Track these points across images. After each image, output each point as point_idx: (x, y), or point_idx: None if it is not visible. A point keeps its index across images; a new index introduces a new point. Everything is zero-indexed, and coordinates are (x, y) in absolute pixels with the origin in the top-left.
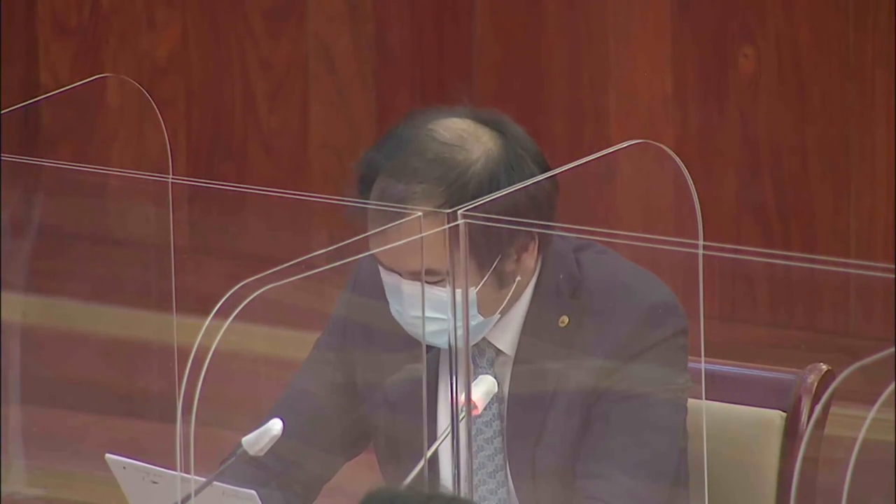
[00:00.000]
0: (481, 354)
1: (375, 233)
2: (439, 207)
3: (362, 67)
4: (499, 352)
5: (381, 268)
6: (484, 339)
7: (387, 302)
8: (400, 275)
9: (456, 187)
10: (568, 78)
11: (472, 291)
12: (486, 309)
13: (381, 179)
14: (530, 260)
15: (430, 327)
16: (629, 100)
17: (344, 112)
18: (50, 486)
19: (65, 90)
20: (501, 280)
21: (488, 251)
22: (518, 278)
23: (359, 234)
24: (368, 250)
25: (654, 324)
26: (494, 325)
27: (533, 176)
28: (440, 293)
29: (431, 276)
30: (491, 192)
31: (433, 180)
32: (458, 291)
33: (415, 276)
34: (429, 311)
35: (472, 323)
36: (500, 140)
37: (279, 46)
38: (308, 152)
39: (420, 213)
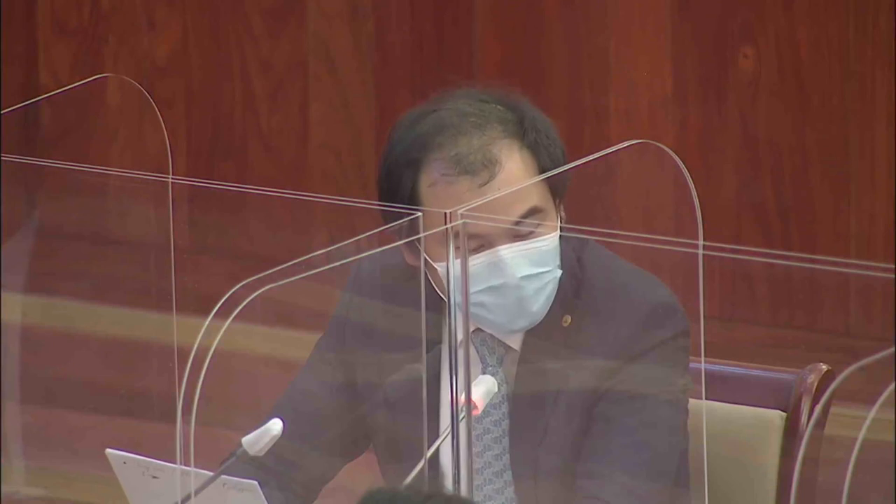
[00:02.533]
0: (491, 352)
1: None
2: (523, 135)
3: (362, 67)
4: (508, 349)
5: (461, 255)
6: (493, 336)
7: (387, 302)
8: (488, 239)
9: (525, 122)
10: (568, 78)
11: (556, 238)
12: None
13: (444, 149)
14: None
15: (533, 284)
16: (629, 100)
17: (344, 112)
18: (50, 486)
19: (65, 90)
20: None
21: (558, 187)
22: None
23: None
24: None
25: (655, 325)
26: None
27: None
28: (543, 243)
29: (537, 216)
30: (551, 137)
31: (503, 119)
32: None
33: (524, 217)
34: (532, 267)
35: (556, 275)
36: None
37: (279, 46)
38: (308, 152)
39: (420, 214)
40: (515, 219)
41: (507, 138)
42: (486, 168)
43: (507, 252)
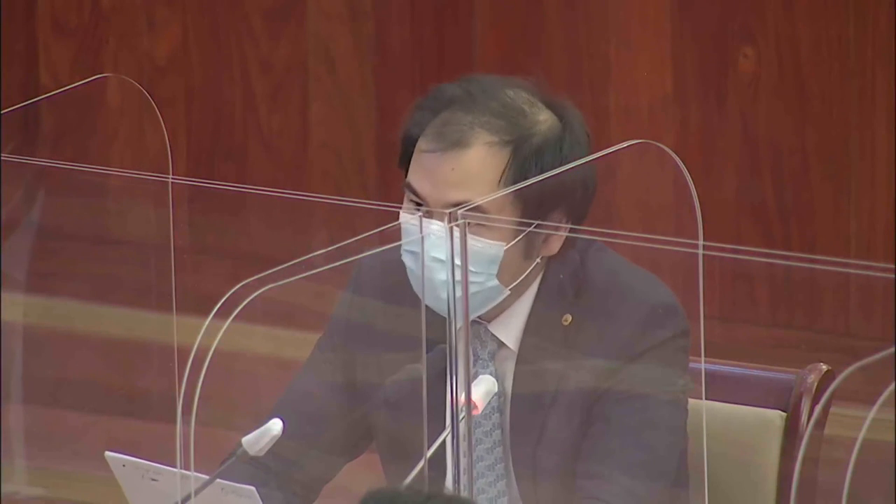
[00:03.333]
0: (483, 346)
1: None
2: (505, 143)
3: (362, 67)
4: (501, 344)
5: (405, 208)
6: (486, 330)
7: (387, 302)
8: (427, 214)
9: (524, 132)
10: (568, 78)
11: (502, 247)
12: (504, 275)
13: (451, 111)
14: (556, 244)
15: (441, 274)
16: (629, 100)
17: (344, 112)
18: (50, 486)
19: (65, 90)
20: (527, 251)
21: (534, 210)
22: (538, 260)
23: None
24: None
25: (655, 325)
26: (498, 318)
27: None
28: (477, 243)
29: (475, 211)
30: (551, 155)
31: (503, 118)
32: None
33: (454, 206)
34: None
35: (489, 284)
36: (562, 123)
37: (279, 46)
38: (308, 152)
39: (420, 214)
40: (518, 219)
41: (498, 133)
42: (454, 145)
43: (435, 226)
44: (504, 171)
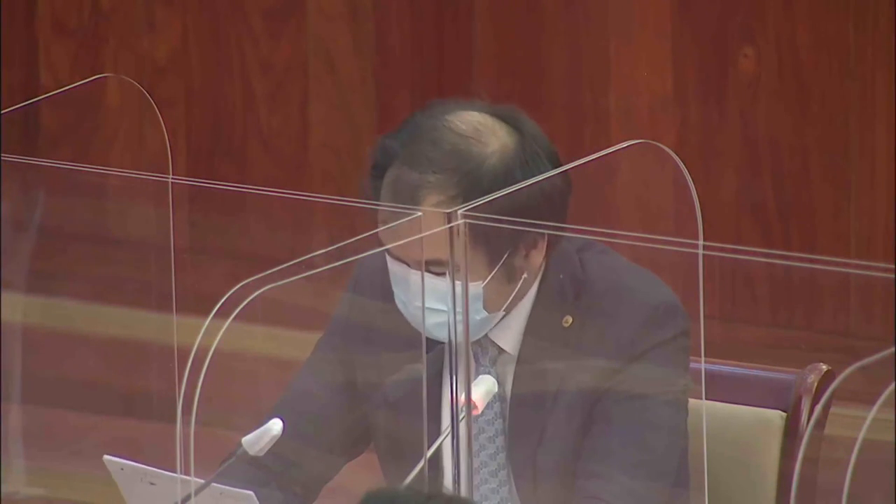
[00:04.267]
0: (484, 352)
1: (383, 229)
2: (452, 198)
3: (362, 67)
4: (501, 350)
5: (388, 257)
6: (486, 336)
7: (388, 302)
8: (407, 264)
9: (470, 180)
10: (568, 78)
11: (480, 286)
12: (491, 304)
13: (396, 167)
14: (538, 257)
15: (432, 319)
16: (629, 100)
17: (344, 112)
18: (50, 486)
19: (65, 90)
20: (509, 275)
21: (498, 245)
22: (525, 275)
23: (359, 230)
24: (376, 244)
25: (656, 325)
26: (497, 323)
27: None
28: (445, 285)
29: (437, 267)
30: (505, 186)
31: (448, 171)
32: (459, 285)
33: (421, 266)
34: (432, 302)
35: (477, 317)
36: (516, 136)
37: (279, 46)
38: (308, 152)
39: (421, 214)
40: (519, 219)
41: (439, 189)
42: (411, 199)
43: (413, 277)
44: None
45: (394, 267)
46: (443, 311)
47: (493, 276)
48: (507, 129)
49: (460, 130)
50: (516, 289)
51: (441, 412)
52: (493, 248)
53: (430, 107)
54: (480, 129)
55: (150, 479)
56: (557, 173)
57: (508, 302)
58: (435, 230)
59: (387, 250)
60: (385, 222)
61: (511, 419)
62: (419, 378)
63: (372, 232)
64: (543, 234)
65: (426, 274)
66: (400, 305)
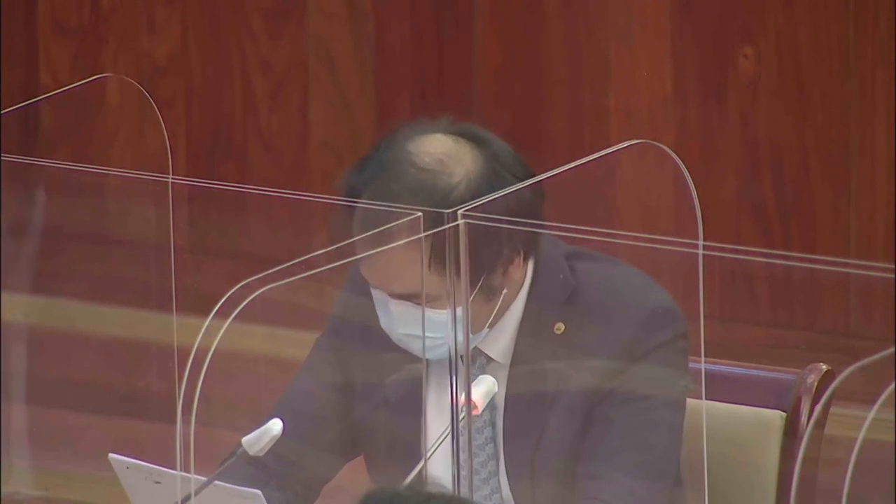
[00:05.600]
0: (472, 361)
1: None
2: (423, 232)
3: (362, 67)
4: (489, 359)
5: (370, 284)
6: (476, 347)
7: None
8: (387, 293)
9: (439, 214)
10: (568, 78)
11: (458, 310)
12: (474, 324)
13: (362, 206)
14: (517, 272)
15: (418, 345)
16: (629, 100)
17: (344, 112)
18: (50, 487)
19: (65, 90)
20: (488, 295)
21: (473, 268)
22: (505, 291)
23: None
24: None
25: (654, 328)
26: (486, 335)
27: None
28: (430, 314)
29: (417, 298)
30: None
31: (414, 204)
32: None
33: (399, 297)
34: (415, 330)
35: (461, 338)
36: (481, 159)
37: (279, 46)
38: (308, 152)
39: (420, 214)
40: (519, 219)
41: (408, 226)
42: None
43: (395, 307)
44: (430, 253)
45: (376, 293)
46: (432, 336)
47: (471, 299)
48: (472, 153)
49: (424, 164)
50: (497, 306)
51: (427, 420)
52: (468, 271)
53: (392, 135)
54: (444, 160)
55: (156, 478)
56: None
57: (491, 318)
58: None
59: (367, 278)
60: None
61: (506, 425)
62: (415, 379)
63: (371, 233)
64: (519, 249)
65: (406, 304)
66: (385, 330)
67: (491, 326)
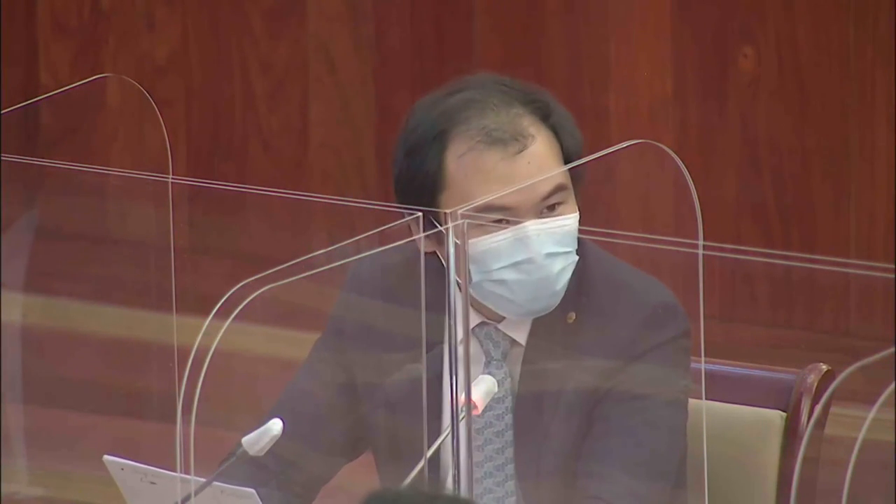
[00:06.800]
0: (496, 347)
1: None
2: (545, 126)
3: (362, 67)
4: (513, 343)
5: (487, 232)
6: (497, 330)
7: (385, 302)
8: (519, 215)
9: (546, 108)
10: (568, 78)
11: (576, 219)
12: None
13: (476, 114)
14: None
15: (557, 263)
16: (629, 100)
17: (344, 112)
18: (50, 486)
19: (65, 90)
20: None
21: (580, 177)
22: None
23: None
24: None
25: (657, 325)
26: (507, 318)
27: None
28: (567, 222)
29: (562, 194)
30: (568, 120)
31: (527, 101)
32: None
33: (546, 199)
34: (556, 246)
35: (574, 259)
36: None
37: (279, 46)
38: (308, 152)
39: (420, 214)
40: (519, 219)
41: (533, 115)
42: (516, 140)
43: (533, 228)
44: (561, 146)
45: (495, 237)
46: (566, 252)
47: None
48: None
49: (510, 83)
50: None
51: (441, 413)
52: (578, 178)
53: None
54: (507, 84)
55: (151, 479)
56: (556, 173)
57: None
58: (432, 231)
59: (498, 208)
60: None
61: (516, 416)
62: (419, 378)
63: (371, 233)
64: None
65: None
66: (512, 273)
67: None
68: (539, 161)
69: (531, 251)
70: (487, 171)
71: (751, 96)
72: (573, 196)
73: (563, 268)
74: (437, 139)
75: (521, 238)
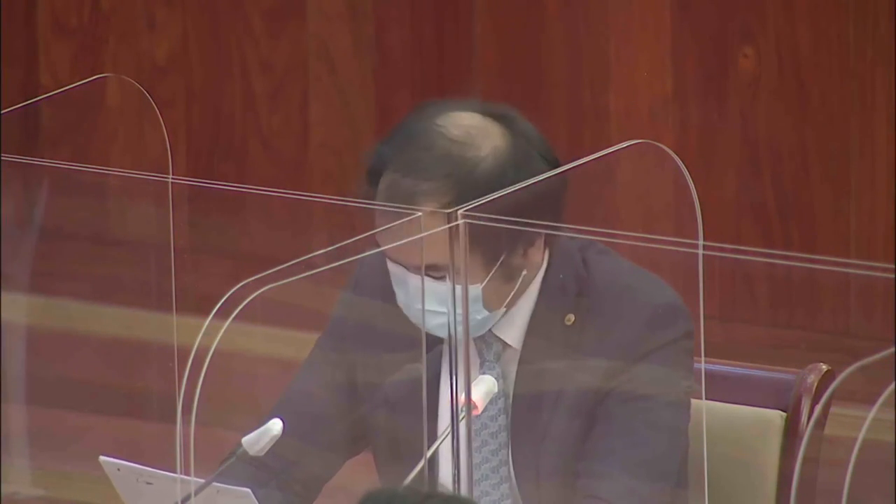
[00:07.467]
0: (488, 348)
1: (381, 230)
2: (447, 204)
3: (362, 67)
4: (506, 345)
5: (387, 259)
6: (491, 332)
7: (388, 302)
8: (405, 267)
9: (464, 185)
10: (568, 78)
11: (478, 287)
12: (491, 303)
13: (389, 174)
14: (537, 254)
15: (435, 320)
16: (629, 100)
17: (344, 112)
18: (50, 486)
19: (65, 90)
20: (507, 275)
21: (494, 246)
22: (524, 272)
23: (359, 230)
24: (375, 245)
25: (659, 326)
26: (502, 318)
27: (541, 173)
28: (444, 288)
29: (436, 272)
30: (499, 188)
31: (441, 178)
32: (459, 287)
33: (420, 270)
34: (433, 304)
35: (478, 317)
36: (509, 136)
37: (279, 46)
38: (308, 152)
39: (420, 214)
40: (518, 219)
41: (433, 196)
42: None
43: (415, 280)
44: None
45: (393, 269)
46: (444, 312)
47: (491, 277)
48: (501, 131)
49: (452, 136)
50: (516, 286)
51: (439, 412)
52: (490, 248)
53: (420, 110)
54: (473, 133)
55: (147, 479)
56: (557, 174)
57: (509, 299)
58: (433, 231)
59: (385, 253)
60: (382, 224)
61: (513, 417)
62: (419, 378)
63: (371, 232)
64: (541, 232)
65: (426, 277)
66: (402, 306)
67: (508, 307)
68: (415, 231)
69: (407, 297)
70: (378, 234)
71: (751, 96)
72: (481, 266)
73: (442, 324)
74: (373, 174)
75: (402, 282)
